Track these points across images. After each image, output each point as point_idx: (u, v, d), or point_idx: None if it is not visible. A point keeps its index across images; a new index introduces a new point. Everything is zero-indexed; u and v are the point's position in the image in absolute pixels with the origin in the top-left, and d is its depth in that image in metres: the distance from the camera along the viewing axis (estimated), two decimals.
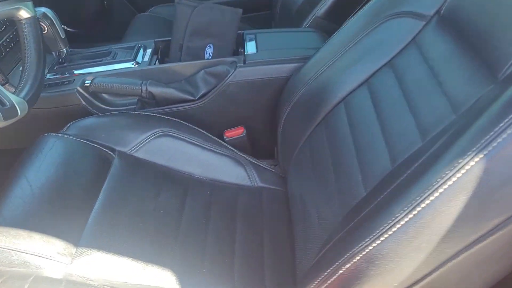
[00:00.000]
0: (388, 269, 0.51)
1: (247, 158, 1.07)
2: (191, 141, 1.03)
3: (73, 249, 0.75)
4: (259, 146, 1.20)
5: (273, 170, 1.09)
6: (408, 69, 0.77)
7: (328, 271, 0.56)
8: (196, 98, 1.11)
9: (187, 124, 1.07)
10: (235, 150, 1.07)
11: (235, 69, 1.08)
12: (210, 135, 1.07)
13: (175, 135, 1.03)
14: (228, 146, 1.07)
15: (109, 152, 0.97)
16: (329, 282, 0.56)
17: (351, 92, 0.87)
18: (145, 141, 1.01)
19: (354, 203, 0.67)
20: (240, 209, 0.96)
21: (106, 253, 0.76)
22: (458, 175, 0.46)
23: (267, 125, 1.16)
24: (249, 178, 1.04)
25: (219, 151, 1.05)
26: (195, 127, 1.07)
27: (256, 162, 1.08)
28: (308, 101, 0.95)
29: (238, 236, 0.88)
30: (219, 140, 1.07)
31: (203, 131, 1.07)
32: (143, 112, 1.11)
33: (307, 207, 0.83)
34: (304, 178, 0.90)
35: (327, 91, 0.91)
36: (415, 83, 0.73)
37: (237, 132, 1.14)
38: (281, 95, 1.04)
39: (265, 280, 0.80)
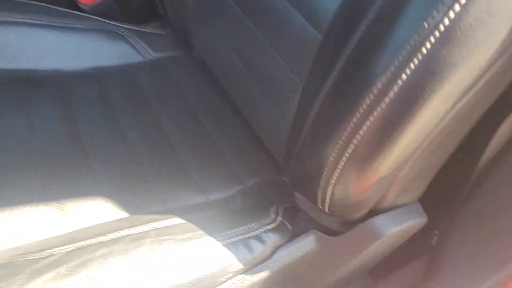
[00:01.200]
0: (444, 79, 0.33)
1: (125, 26, 0.76)
2: (37, 22, 0.68)
3: None
4: (133, 7, 0.87)
5: (164, 33, 0.80)
6: None
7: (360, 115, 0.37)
8: None
9: None
10: (105, 20, 0.74)
11: None
12: (60, 8, 0.72)
13: (8, 19, 0.65)
14: (93, 16, 0.74)
15: None
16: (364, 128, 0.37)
17: None
18: None
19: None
20: (151, 95, 0.69)
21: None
22: None
23: None
24: (138, 51, 0.76)
25: (85, 27, 0.72)
26: (33, 1, 0.70)
27: (138, 28, 0.78)
28: None
29: (172, 133, 0.63)
30: (77, 12, 0.73)
31: (46, 5, 0.71)
32: None
33: (262, 66, 0.58)
34: (230, 27, 0.63)
35: None
36: None
37: None
38: None
39: (240, 174, 0.59)
